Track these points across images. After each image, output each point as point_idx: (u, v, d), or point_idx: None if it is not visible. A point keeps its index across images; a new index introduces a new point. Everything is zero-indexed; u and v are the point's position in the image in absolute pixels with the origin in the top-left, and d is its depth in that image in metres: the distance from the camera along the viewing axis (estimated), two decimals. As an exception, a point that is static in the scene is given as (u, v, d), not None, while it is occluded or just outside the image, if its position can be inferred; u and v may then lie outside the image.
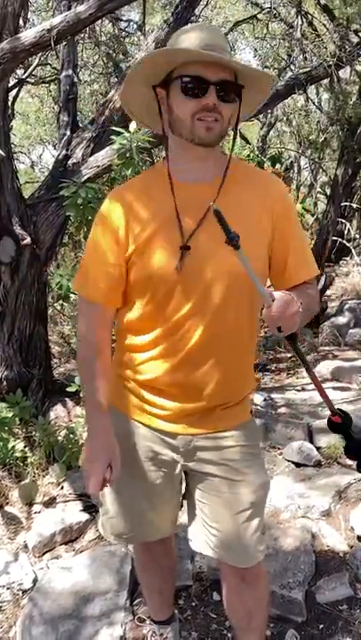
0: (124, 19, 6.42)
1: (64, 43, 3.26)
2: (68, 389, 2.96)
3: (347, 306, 5.49)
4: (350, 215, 7.19)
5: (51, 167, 3.58)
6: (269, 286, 1.26)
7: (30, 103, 9.49)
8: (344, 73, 5.70)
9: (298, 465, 2.79)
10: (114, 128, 2.70)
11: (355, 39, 5.02)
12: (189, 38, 1.17)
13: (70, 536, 2.38)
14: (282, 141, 9.89)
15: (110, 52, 5.67)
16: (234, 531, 1.36)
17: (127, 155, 2.66)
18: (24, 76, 5.41)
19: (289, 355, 4.48)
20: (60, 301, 3.69)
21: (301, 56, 5.65)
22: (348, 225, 6.47)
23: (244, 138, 7.42)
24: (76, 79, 3.71)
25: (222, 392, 1.31)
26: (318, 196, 9.23)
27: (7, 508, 2.56)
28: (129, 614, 1.91)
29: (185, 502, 1.48)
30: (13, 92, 5.94)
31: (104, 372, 1.34)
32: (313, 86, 6.65)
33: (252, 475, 1.36)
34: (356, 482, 2.50)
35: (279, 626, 1.88)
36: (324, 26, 5.54)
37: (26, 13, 3.61)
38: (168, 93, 1.21)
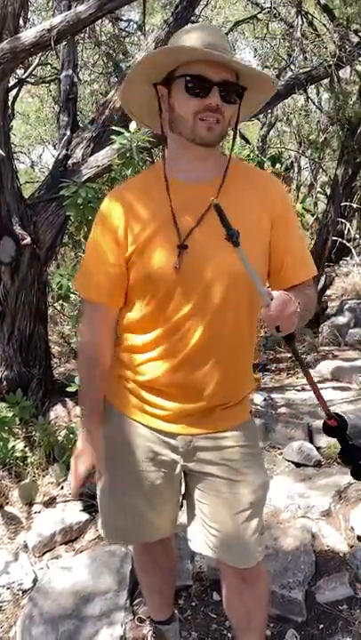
0: (124, 18, 6.42)
1: (64, 43, 3.27)
2: (68, 389, 2.95)
3: (347, 306, 5.49)
4: (350, 215, 7.18)
5: (51, 167, 3.58)
6: (268, 286, 1.26)
7: (30, 103, 9.49)
8: (344, 73, 5.70)
9: (298, 465, 2.79)
10: (114, 128, 2.70)
11: (355, 39, 5.02)
12: (191, 38, 1.17)
13: (70, 536, 2.38)
14: (282, 141, 9.88)
15: (110, 51, 5.67)
16: (233, 531, 1.36)
17: (127, 154, 2.66)
18: (24, 76, 5.41)
19: (289, 355, 4.48)
20: (60, 301, 3.68)
21: (301, 56, 5.66)
22: (348, 225, 6.46)
23: (244, 138, 7.42)
24: (76, 79, 3.71)
25: (222, 392, 1.31)
26: (318, 195, 9.23)
27: (7, 508, 2.56)
28: (129, 614, 1.91)
29: (185, 502, 1.48)
30: (13, 92, 5.94)
31: (103, 374, 1.37)
32: (313, 86, 6.64)
33: (251, 475, 1.36)
34: (356, 482, 2.50)
35: (279, 626, 1.88)
36: (325, 26, 5.54)
37: (26, 13, 3.61)
38: (170, 92, 1.21)
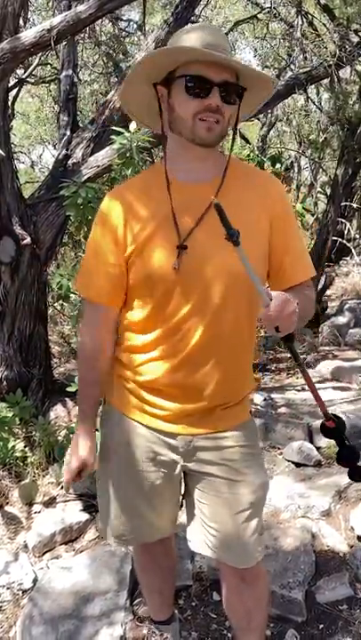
0: (124, 18, 6.42)
1: (64, 42, 3.27)
2: (68, 389, 2.95)
3: (347, 306, 5.50)
4: (350, 215, 7.19)
5: (51, 167, 3.58)
6: (267, 287, 1.26)
7: (30, 103, 9.49)
8: (344, 73, 5.70)
9: (298, 465, 2.79)
10: (114, 128, 2.70)
11: (355, 39, 5.02)
12: (191, 38, 1.17)
13: (70, 536, 2.38)
14: (282, 141, 9.88)
15: (110, 51, 5.67)
16: (233, 531, 1.36)
17: (127, 154, 2.66)
18: (24, 76, 5.41)
19: (289, 355, 4.47)
20: (60, 301, 3.68)
21: (301, 56, 5.65)
22: (348, 225, 6.46)
23: (244, 138, 7.42)
24: (76, 79, 3.70)
25: (222, 392, 1.31)
26: (318, 195, 9.23)
27: (7, 508, 2.56)
28: (129, 614, 1.91)
29: (184, 502, 1.48)
30: (13, 92, 5.94)
31: (101, 373, 1.39)
32: (313, 86, 6.64)
33: (251, 475, 1.36)
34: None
35: (279, 626, 1.88)
36: (325, 26, 5.54)
37: (26, 13, 3.61)
38: (170, 92, 1.21)
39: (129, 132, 2.64)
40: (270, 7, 6.00)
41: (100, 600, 1.95)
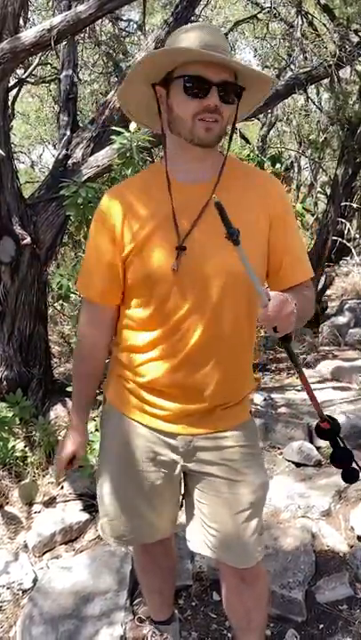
0: (124, 18, 6.42)
1: (64, 42, 3.26)
2: (68, 389, 2.94)
3: (347, 306, 5.50)
4: (350, 215, 7.18)
5: (51, 167, 3.58)
6: (266, 287, 1.26)
7: (30, 103, 9.49)
8: (344, 73, 5.70)
9: (298, 465, 2.79)
10: (114, 128, 2.70)
11: (355, 39, 5.02)
12: (189, 38, 1.17)
13: (70, 536, 2.38)
14: (282, 141, 9.88)
15: (110, 51, 5.67)
16: (233, 531, 1.36)
17: (127, 154, 2.66)
18: (24, 76, 5.41)
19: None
20: (60, 301, 3.68)
21: (301, 56, 5.65)
22: (348, 225, 6.46)
23: (244, 138, 7.42)
24: (76, 79, 3.70)
25: (222, 392, 1.31)
26: (318, 195, 9.22)
27: (7, 508, 2.56)
28: (129, 614, 1.91)
29: (184, 502, 1.48)
30: (13, 92, 5.94)
31: (96, 370, 1.44)
32: (313, 86, 6.64)
33: (251, 475, 1.36)
34: (355, 482, 2.50)
35: (279, 626, 1.88)
36: (325, 25, 5.54)
37: (26, 13, 3.61)
38: (168, 92, 1.20)
39: (129, 131, 2.64)
40: (270, 7, 6.00)
41: (100, 600, 1.95)
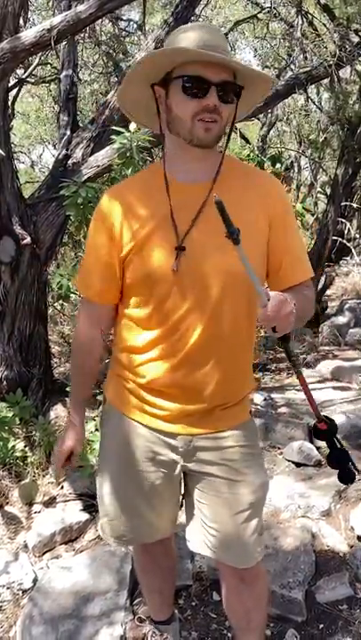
0: (124, 18, 6.42)
1: (64, 42, 3.27)
2: (68, 389, 2.94)
3: (347, 306, 5.50)
4: (350, 215, 7.18)
5: (51, 167, 3.58)
6: (266, 287, 1.26)
7: (30, 103, 9.50)
8: (344, 73, 5.70)
9: (298, 465, 2.79)
10: (114, 128, 2.70)
11: (355, 39, 5.02)
12: (188, 37, 1.16)
13: (70, 536, 2.38)
14: (282, 141, 9.88)
15: (110, 51, 5.67)
16: (233, 531, 1.36)
17: (127, 154, 2.66)
18: (24, 76, 5.41)
19: (288, 354, 4.47)
20: (60, 301, 3.69)
21: (302, 56, 5.65)
22: (348, 225, 6.46)
23: (244, 138, 7.41)
24: (76, 79, 3.70)
25: (222, 392, 1.31)
26: (318, 195, 9.22)
27: (7, 508, 2.56)
28: (129, 614, 1.91)
29: (184, 502, 1.48)
30: (13, 92, 5.94)
31: (92, 368, 1.47)
32: (313, 86, 6.64)
33: (251, 475, 1.36)
34: (355, 482, 2.50)
35: (279, 625, 1.88)
36: (325, 25, 5.54)
37: (26, 13, 3.60)
38: (167, 92, 1.20)
39: (129, 131, 2.64)
40: (270, 7, 6.00)
41: (100, 600, 1.95)
